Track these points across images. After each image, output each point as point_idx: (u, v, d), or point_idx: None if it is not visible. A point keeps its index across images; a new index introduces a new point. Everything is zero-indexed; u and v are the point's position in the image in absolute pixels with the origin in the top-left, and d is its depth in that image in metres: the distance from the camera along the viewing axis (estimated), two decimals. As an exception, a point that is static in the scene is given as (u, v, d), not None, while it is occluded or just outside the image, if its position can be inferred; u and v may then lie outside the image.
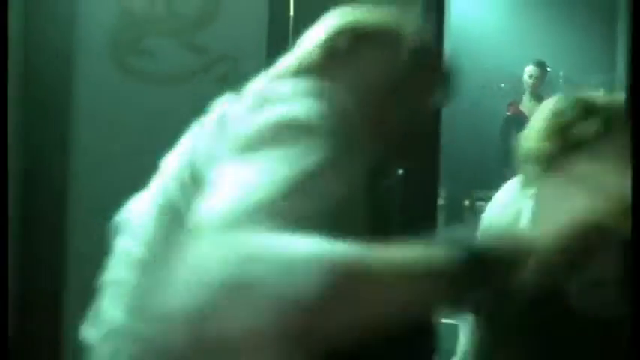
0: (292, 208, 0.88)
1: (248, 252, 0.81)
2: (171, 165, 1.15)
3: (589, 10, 6.41)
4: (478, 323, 1.27)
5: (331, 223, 0.87)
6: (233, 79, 2.54)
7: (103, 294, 1.17)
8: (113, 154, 2.63)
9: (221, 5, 2.68)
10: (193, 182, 1.07)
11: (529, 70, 6.21)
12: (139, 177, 1.20)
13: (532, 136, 1.41)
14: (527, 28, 6.62)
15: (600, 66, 6.03)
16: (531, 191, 1.39)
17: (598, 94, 1.44)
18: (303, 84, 1.08)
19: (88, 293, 1.17)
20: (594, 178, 1.22)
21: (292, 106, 1.02)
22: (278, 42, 2.55)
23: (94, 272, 1.18)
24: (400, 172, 1.49)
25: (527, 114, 5.76)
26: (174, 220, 1.08)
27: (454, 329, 1.77)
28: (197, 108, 1.17)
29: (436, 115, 2.26)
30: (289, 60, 1.23)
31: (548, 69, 6.26)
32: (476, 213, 4.82)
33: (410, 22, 1.27)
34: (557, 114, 1.40)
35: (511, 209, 1.60)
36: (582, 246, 1.09)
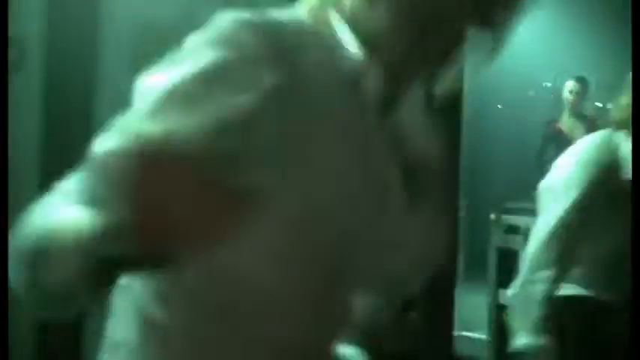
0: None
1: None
2: None
3: (612, 13, 6.31)
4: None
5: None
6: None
7: None
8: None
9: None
10: None
11: (569, 85, 5.92)
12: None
13: None
14: (554, 37, 6.54)
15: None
16: None
17: None
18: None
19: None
20: None
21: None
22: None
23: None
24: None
25: (567, 132, 5.63)
26: None
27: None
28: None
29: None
30: None
31: (589, 84, 6.01)
32: (502, 227, 4.76)
33: None
34: None
35: None
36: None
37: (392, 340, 1.22)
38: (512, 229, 4.62)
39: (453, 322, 3.75)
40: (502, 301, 4.18)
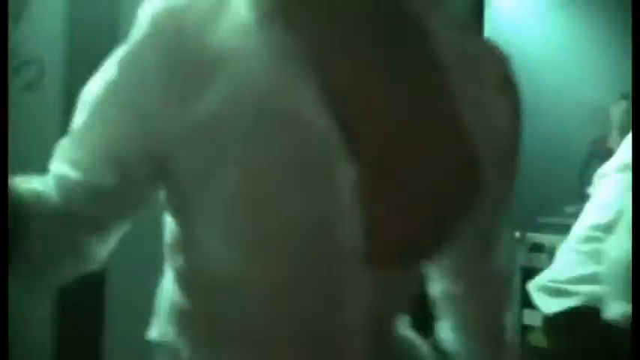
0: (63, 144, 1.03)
1: None
2: None
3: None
4: None
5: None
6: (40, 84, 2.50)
7: None
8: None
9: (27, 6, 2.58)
10: None
11: (620, 104, 5.80)
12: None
13: None
14: (583, 48, 6.45)
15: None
16: None
17: None
18: None
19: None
20: None
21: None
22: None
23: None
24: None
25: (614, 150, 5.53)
26: None
27: None
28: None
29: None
30: None
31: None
32: (526, 246, 4.71)
33: None
34: None
35: None
36: None
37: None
38: (537, 248, 4.57)
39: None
40: (527, 321, 4.12)
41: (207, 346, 1.05)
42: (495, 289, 1.27)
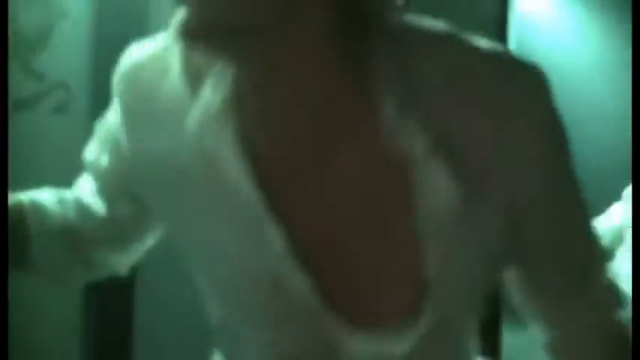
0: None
1: None
2: None
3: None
4: None
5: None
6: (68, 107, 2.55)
7: None
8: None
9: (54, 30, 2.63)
10: None
11: None
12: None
13: None
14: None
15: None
16: None
17: None
18: None
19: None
20: None
21: None
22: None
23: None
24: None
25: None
26: None
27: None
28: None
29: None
30: None
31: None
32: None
33: None
34: None
35: None
36: None
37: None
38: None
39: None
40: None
41: None
42: (602, 327, 1.06)
